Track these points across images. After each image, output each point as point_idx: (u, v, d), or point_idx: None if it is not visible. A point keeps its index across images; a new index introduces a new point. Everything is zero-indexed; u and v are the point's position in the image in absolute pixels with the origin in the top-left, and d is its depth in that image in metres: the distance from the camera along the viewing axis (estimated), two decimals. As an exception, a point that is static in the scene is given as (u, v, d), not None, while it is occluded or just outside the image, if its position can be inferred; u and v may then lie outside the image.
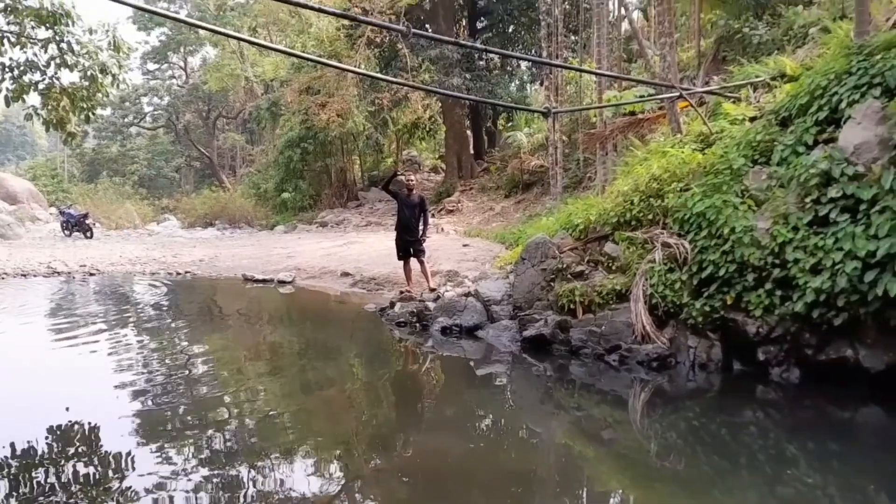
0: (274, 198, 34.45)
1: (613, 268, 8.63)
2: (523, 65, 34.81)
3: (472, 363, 8.93)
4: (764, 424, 6.20)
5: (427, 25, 29.14)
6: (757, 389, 6.90)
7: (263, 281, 16.18)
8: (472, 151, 32.70)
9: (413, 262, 11.82)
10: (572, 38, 25.88)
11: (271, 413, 6.78)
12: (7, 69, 11.22)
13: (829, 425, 6.13)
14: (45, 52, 11.18)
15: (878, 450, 5.57)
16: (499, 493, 4.82)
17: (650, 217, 8.54)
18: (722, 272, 7.18)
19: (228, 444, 5.72)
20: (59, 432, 6.00)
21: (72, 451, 5.62)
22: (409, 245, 11.72)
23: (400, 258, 11.93)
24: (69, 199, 40.92)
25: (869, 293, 5.95)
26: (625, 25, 20.82)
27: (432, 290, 11.40)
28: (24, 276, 17.45)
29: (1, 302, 13.45)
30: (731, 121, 9.26)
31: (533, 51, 29.51)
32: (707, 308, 7.27)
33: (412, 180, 12.53)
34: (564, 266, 8.96)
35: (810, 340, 6.62)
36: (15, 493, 4.71)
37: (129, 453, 5.40)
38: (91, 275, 17.98)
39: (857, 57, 7.06)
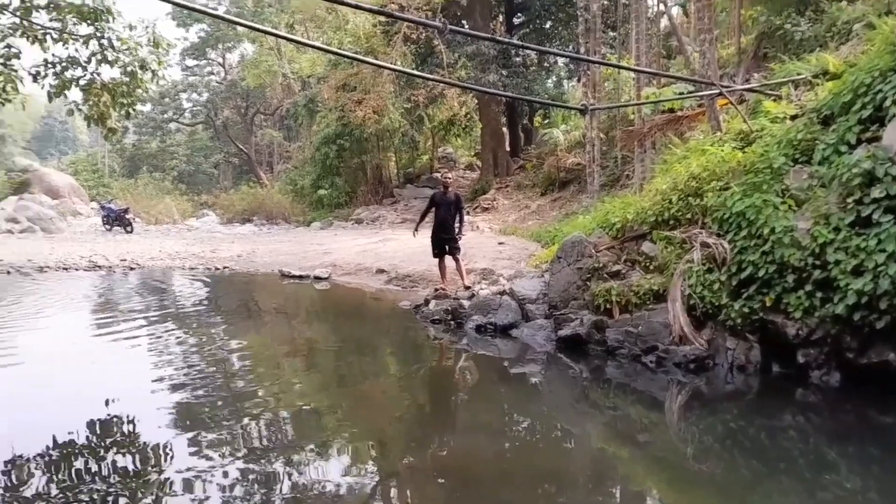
0: (310, 194, 34.72)
1: (651, 267, 8.56)
2: (560, 61, 34.66)
3: (506, 362, 8.93)
4: (803, 428, 6.12)
5: (463, 21, 29.11)
6: (796, 392, 6.80)
7: (300, 277, 16.36)
8: (507, 149, 32.60)
9: (448, 259, 11.85)
10: (610, 34, 25.68)
11: (306, 409, 6.86)
12: (49, 65, 11.51)
13: (870, 430, 6.02)
14: (87, 48, 11.46)
15: (922, 456, 5.46)
16: (532, 493, 4.82)
17: (689, 216, 8.44)
18: (761, 273, 7.07)
19: (264, 439, 5.81)
20: (100, 423, 6.14)
21: (112, 442, 5.75)
22: (444, 242, 11.76)
23: (435, 255, 11.97)
24: (110, 194, 41.79)
25: (913, 296, 5.83)
26: (664, 21, 20.62)
27: (467, 287, 11.42)
28: (66, 269, 17.84)
29: (40, 295, 13.76)
30: (772, 119, 9.10)
31: (570, 47, 29.28)
32: (746, 309, 7.17)
33: (449, 177, 12.58)
34: (601, 265, 8.90)
35: (851, 343, 6.49)
36: (56, 482, 4.84)
37: (167, 445, 5.50)
38: (131, 269, 18.31)
39: (904, 54, 6.91)
